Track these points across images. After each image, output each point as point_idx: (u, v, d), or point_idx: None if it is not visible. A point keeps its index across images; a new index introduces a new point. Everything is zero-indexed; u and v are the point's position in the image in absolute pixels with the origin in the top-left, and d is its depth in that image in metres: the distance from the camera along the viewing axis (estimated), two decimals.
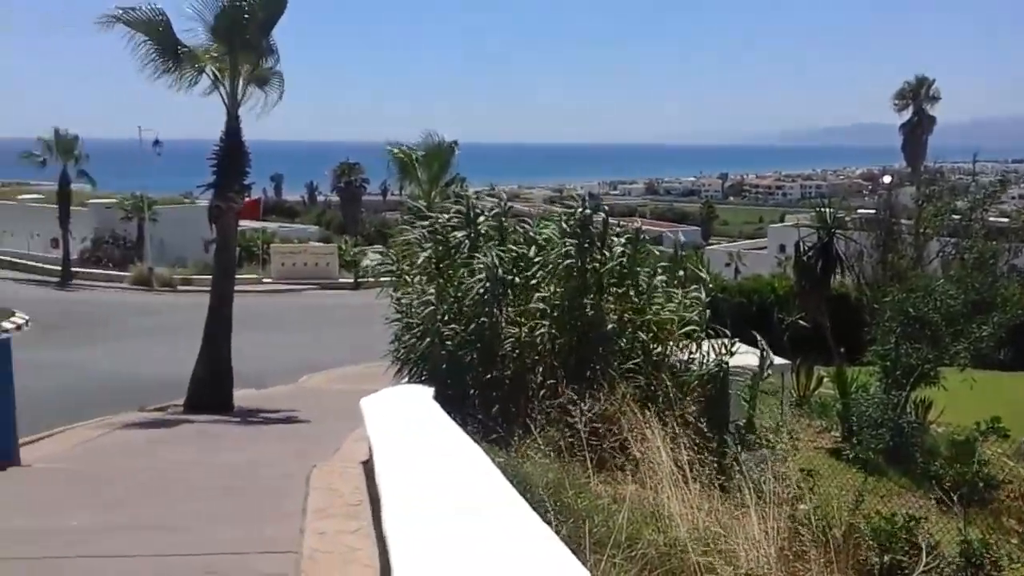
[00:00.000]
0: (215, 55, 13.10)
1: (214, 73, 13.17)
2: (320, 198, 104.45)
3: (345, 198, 77.38)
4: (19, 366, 8.02)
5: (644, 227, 13.31)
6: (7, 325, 23.28)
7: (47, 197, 45.34)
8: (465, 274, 10.18)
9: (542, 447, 7.79)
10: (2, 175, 60.82)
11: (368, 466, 7.39)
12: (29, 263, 40.32)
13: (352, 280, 45.11)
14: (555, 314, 10.17)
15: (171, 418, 12.26)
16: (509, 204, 11.82)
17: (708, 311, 10.52)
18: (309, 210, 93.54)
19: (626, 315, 10.44)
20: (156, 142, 44.34)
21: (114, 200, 47.84)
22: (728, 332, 10.29)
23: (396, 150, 19.60)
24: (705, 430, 8.31)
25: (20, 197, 47.96)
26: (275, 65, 13.56)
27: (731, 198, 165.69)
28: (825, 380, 17.39)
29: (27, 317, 24.74)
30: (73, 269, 39.99)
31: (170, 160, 45.30)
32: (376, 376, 15.98)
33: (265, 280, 42.98)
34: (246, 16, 12.51)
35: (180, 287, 39.15)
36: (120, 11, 12.43)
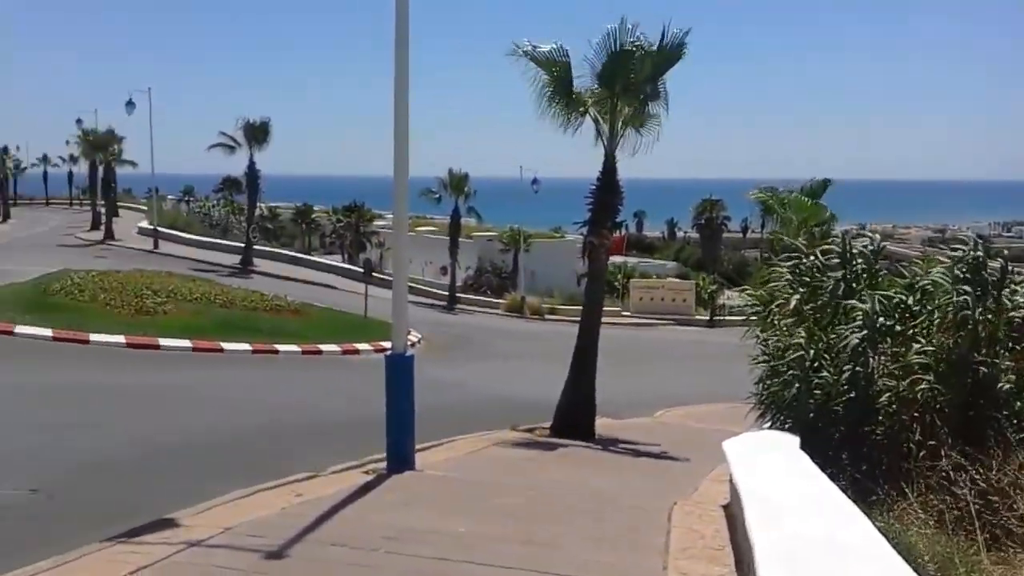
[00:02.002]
0: (597, 99, 13.85)
1: (596, 115, 13.94)
2: (679, 234, 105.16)
3: (705, 235, 77.27)
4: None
5: None
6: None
7: (440, 229, 50.85)
8: (839, 319, 9.65)
9: (921, 515, 7.13)
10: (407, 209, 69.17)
11: (729, 511, 7.28)
12: (422, 287, 45.40)
13: (708, 317, 44.84)
14: (940, 368, 9.25)
15: (540, 440, 13.06)
16: (883, 244, 11.00)
17: None
18: (668, 246, 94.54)
19: None
20: (534, 180, 47.91)
21: (494, 233, 52.34)
22: None
23: (760, 191, 19.19)
24: None
25: (418, 229, 54.18)
26: (661, 110, 14.02)
27: None
28: None
29: (419, 336, 27.87)
30: (457, 295, 44.37)
31: (545, 196, 48.60)
32: (733, 417, 15.66)
33: (624, 313, 44.24)
34: (633, 63, 13.11)
35: (548, 316, 41.69)
36: (529, 45, 13.58)
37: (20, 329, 18.85)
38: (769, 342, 10.85)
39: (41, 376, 15.02)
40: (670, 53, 13.49)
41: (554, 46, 13.57)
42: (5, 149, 77.34)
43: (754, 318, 11.65)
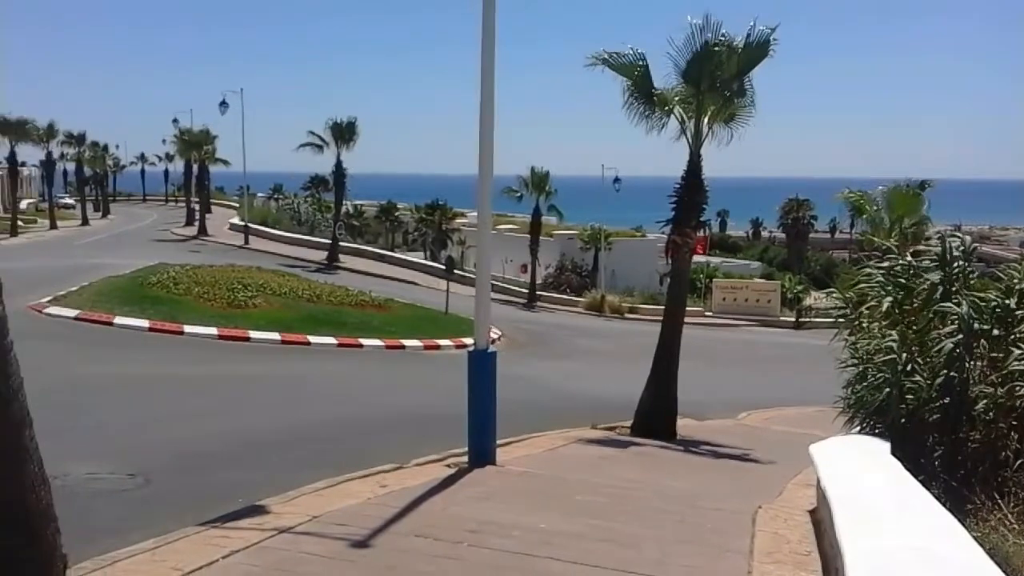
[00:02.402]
0: (683, 98, 13.72)
1: (680, 114, 13.81)
2: (764, 234, 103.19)
3: (791, 235, 75.69)
4: None
5: None
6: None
7: (520, 227, 51.01)
8: (934, 323, 9.33)
9: (1017, 526, 6.86)
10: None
11: (816, 516, 7.13)
12: (501, 285, 45.55)
13: (793, 319, 43.86)
14: None
15: (620, 439, 13.01)
16: (974, 245, 10.58)
17: None
18: (752, 246, 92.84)
19: None
20: (616, 179, 47.64)
21: (575, 232, 52.24)
22: None
23: (850, 192, 18.66)
24: None
25: (499, 227, 54.45)
26: (748, 107, 13.80)
27: None
28: None
29: (499, 333, 28.01)
30: (537, 292, 44.44)
31: (627, 195, 48.24)
32: (819, 421, 15.30)
33: (706, 313, 43.65)
34: (719, 61, 12.93)
35: (627, 315, 41.41)
36: (606, 53, 13.59)
37: (119, 320, 19.69)
38: (859, 345, 10.56)
39: (138, 366, 15.65)
40: (756, 50, 13.26)
41: (631, 51, 13.54)
42: (105, 147, 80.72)
43: (843, 320, 11.35)
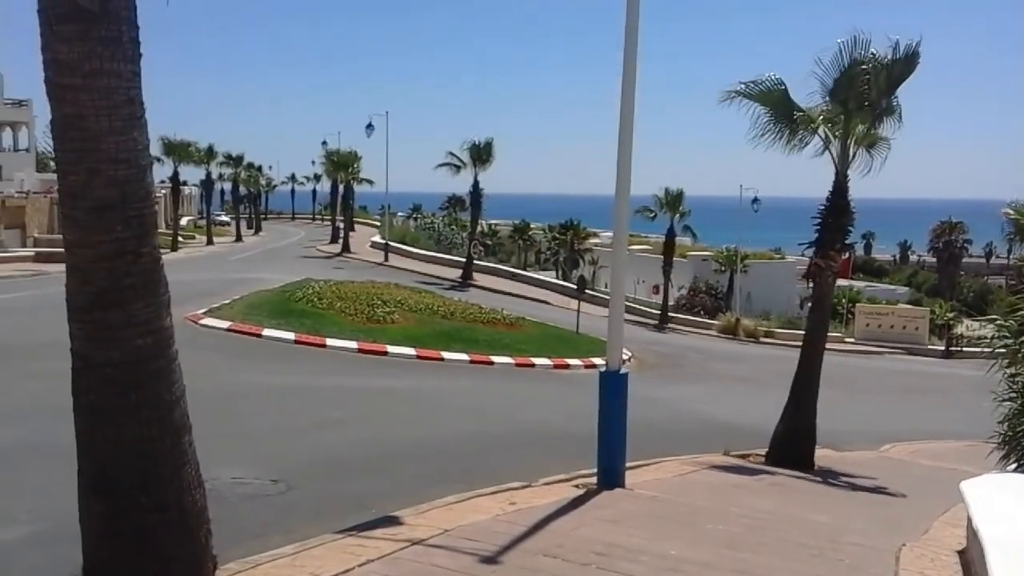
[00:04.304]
0: (828, 117, 13.32)
1: (826, 133, 13.38)
2: (913, 258, 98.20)
3: (942, 259, 71.74)
4: None
5: None
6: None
7: (654, 248, 50.53)
8: None
9: None
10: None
11: (966, 558, 6.72)
12: (633, 305, 45.19)
13: (943, 347, 41.52)
14: None
15: (753, 467, 12.63)
16: None
17: None
18: (899, 270, 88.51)
19: None
20: (754, 200, 46.50)
21: (710, 253, 51.30)
22: None
23: (1014, 209, 17.50)
24: None
25: (632, 247, 54.08)
26: (897, 125, 13.27)
27: None
28: None
29: (630, 354, 27.77)
30: (669, 314, 43.83)
31: (765, 216, 46.98)
32: (970, 457, 14.40)
33: (847, 339, 41.92)
34: (866, 77, 12.49)
35: (763, 339, 40.25)
36: (742, 85, 13.39)
37: (267, 332, 20.71)
38: (1018, 377, 9.93)
39: (284, 377, 16.40)
40: (904, 65, 12.72)
41: (769, 77, 13.25)
42: (259, 168, 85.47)
43: (1001, 350, 10.68)
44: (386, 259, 49.64)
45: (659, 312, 43.78)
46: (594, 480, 8.88)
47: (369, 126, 52.09)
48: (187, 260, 48.10)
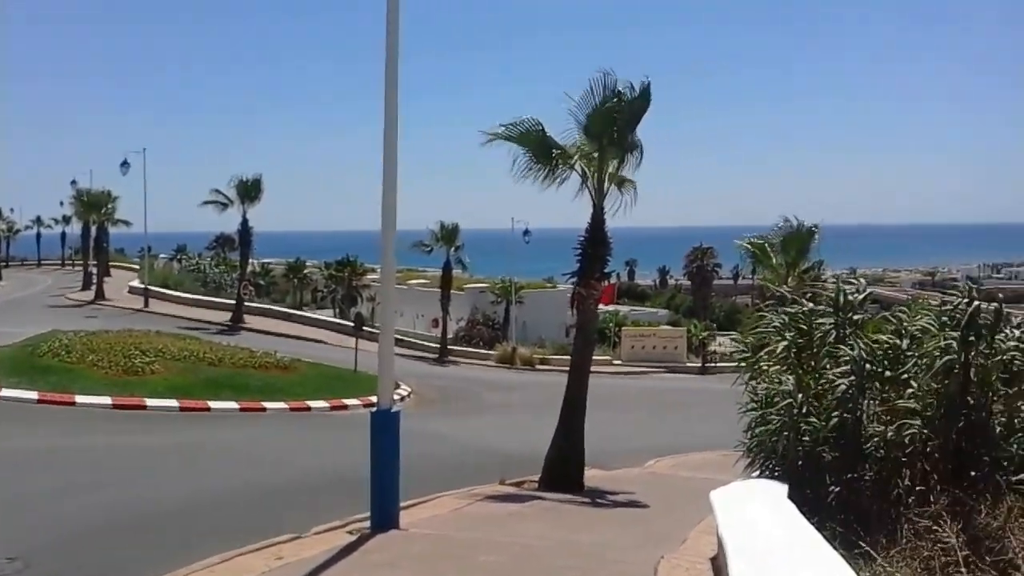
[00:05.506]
0: (585, 151, 14.03)
1: (583, 168, 14.08)
2: (671, 282, 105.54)
3: (696, 282, 77.50)
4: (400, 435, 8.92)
5: None
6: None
7: (431, 282, 50.82)
8: (828, 365, 9.61)
9: (909, 563, 7.03)
10: (398, 262, 69.45)
11: (717, 564, 7.16)
12: (413, 340, 45.11)
13: (699, 364, 44.75)
14: (928, 413, 9.20)
15: (527, 493, 12.88)
16: (868, 289, 11.01)
17: None
18: (660, 294, 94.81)
19: (1017, 419, 9.14)
20: (525, 232, 48.05)
21: (486, 284, 52.31)
22: None
23: (747, 241, 19.29)
24: None
25: (410, 282, 54.16)
26: (639, 160, 14.20)
27: None
28: None
29: (409, 389, 27.65)
30: (449, 347, 44.16)
31: (537, 246, 48.70)
32: (724, 465, 15.49)
33: (615, 361, 44.11)
34: (616, 114, 13.30)
35: (539, 366, 41.49)
36: (502, 127, 13.87)
37: (5, 392, 18.67)
38: (758, 389, 10.78)
39: (24, 440, 14.85)
40: (642, 102, 13.71)
41: (527, 118, 13.85)
42: None
43: (742, 364, 11.58)
44: (146, 305, 46.47)
45: (438, 345, 44.02)
46: (368, 524, 8.66)
47: (124, 163, 48.74)
48: None
